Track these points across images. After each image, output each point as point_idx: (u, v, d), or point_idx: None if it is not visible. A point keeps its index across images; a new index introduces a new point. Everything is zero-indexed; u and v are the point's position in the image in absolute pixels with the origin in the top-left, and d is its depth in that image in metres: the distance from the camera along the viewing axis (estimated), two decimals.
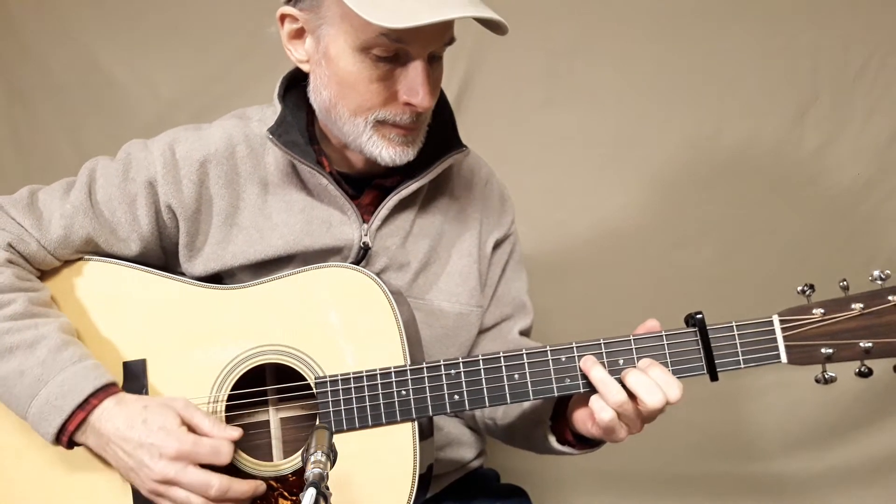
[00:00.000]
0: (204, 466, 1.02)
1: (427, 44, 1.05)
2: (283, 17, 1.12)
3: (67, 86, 2.06)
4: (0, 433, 1.12)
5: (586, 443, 1.13)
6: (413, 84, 1.06)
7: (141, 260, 1.19)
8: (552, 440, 1.16)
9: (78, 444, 1.07)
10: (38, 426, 1.04)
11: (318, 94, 1.14)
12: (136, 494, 1.09)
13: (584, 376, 1.04)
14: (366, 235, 1.19)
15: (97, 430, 1.04)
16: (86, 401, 1.03)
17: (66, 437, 1.04)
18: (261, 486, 1.06)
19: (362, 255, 1.19)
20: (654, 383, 0.99)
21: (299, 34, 1.13)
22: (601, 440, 1.09)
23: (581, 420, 1.08)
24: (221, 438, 1.04)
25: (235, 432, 1.05)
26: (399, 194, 1.19)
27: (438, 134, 1.21)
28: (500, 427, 1.30)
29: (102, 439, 1.04)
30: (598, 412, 1.00)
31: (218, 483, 1.01)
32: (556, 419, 1.16)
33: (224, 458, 1.03)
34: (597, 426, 1.03)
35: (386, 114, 1.09)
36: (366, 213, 1.20)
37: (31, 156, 2.07)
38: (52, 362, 1.04)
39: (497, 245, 1.32)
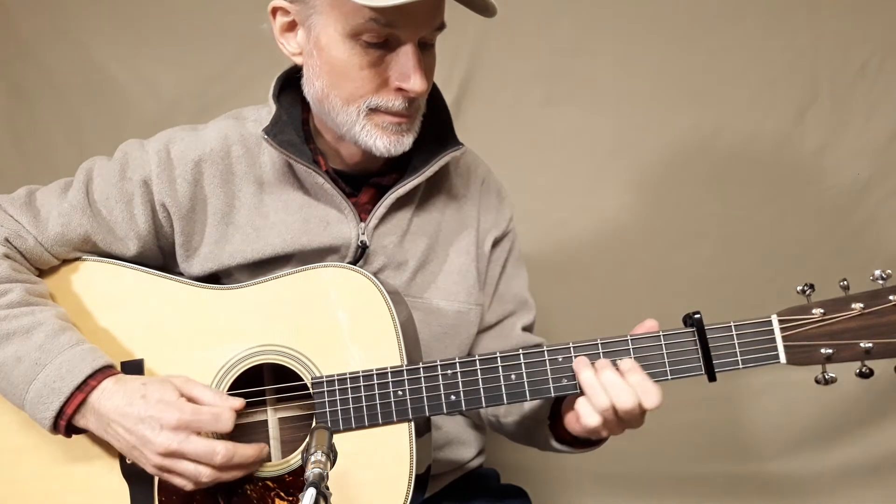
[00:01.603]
0: None
1: (417, 28, 1.05)
2: (274, 11, 1.12)
3: (67, 85, 2.06)
4: None
5: (584, 442, 1.13)
6: (404, 69, 1.06)
7: (139, 260, 1.19)
8: (552, 440, 1.17)
9: (77, 431, 1.07)
10: (35, 411, 1.04)
11: (312, 85, 1.14)
12: (134, 493, 1.09)
13: None
14: (363, 234, 1.18)
15: (97, 411, 1.03)
16: (84, 382, 1.03)
17: (65, 420, 1.04)
18: (264, 450, 1.06)
19: (360, 254, 1.19)
20: (629, 387, 0.99)
21: (291, 27, 1.13)
22: (600, 439, 1.10)
23: (569, 420, 1.09)
24: (223, 407, 1.04)
25: (237, 402, 1.05)
26: (396, 192, 1.18)
27: (435, 132, 1.21)
28: (503, 425, 1.31)
29: (103, 420, 1.03)
30: (585, 417, 1.01)
31: (223, 449, 1.00)
32: (555, 419, 1.17)
33: (225, 424, 1.03)
34: (581, 427, 1.04)
35: (378, 100, 1.08)
36: (363, 211, 1.20)
37: (31, 156, 2.07)
38: (49, 346, 1.04)
39: (496, 243, 1.32)
